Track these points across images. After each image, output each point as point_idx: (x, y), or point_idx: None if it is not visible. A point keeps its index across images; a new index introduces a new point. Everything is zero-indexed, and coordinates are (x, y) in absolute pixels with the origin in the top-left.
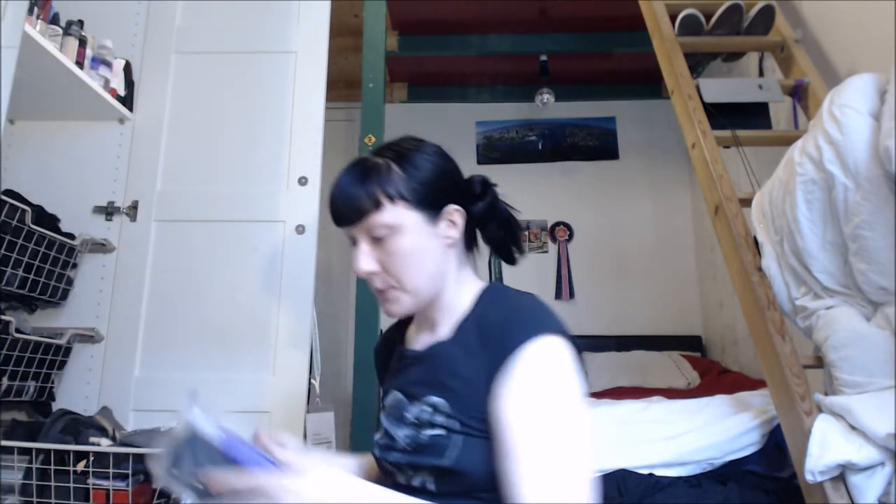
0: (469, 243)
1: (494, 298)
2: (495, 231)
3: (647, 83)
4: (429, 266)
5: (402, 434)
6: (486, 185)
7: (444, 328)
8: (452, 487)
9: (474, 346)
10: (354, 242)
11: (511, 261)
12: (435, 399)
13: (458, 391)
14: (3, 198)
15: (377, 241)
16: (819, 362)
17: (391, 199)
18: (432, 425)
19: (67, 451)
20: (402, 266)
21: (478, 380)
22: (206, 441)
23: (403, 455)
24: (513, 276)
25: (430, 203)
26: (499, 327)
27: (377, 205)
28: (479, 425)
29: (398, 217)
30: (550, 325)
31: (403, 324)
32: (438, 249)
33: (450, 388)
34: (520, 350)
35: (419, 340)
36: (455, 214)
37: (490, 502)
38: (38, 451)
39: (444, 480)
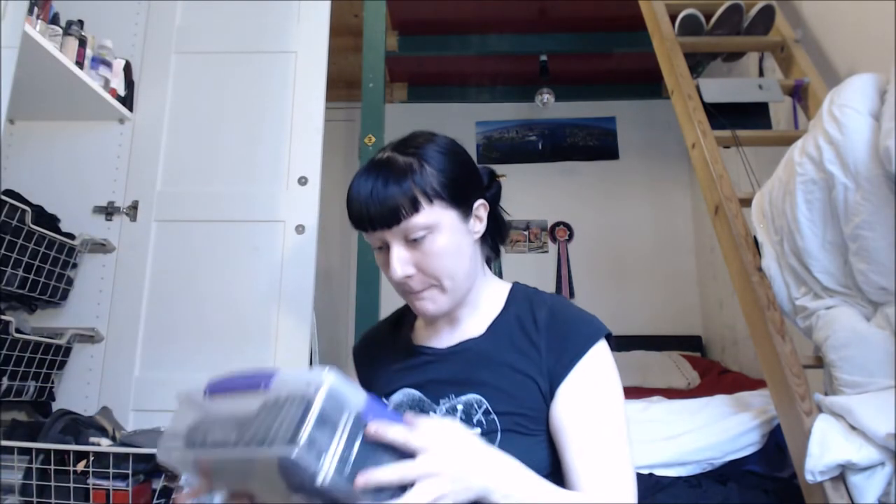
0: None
1: (532, 298)
2: (488, 227)
3: (647, 83)
4: (465, 264)
5: None
6: (493, 176)
7: (472, 325)
8: None
9: (520, 344)
10: (383, 246)
11: (487, 262)
12: (470, 397)
13: (499, 388)
14: (3, 198)
15: (412, 242)
16: (819, 362)
17: (429, 199)
18: (466, 424)
19: (67, 451)
20: (441, 266)
21: (527, 377)
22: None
23: None
24: (514, 276)
25: (463, 199)
26: (555, 329)
27: (416, 206)
28: (521, 421)
29: (436, 217)
30: (602, 328)
31: (401, 321)
32: (471, 246)
33: (488, 384)
34: (584, 354)
35: (438, 338)
36: (481, 209)
37: None
38: (38, 451)
39: None
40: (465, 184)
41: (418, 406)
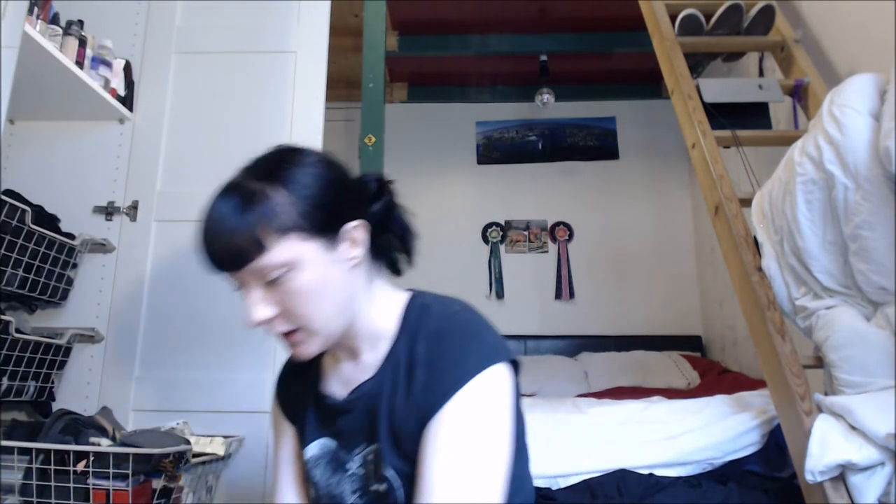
0: (376, 250)
1: (420, 320)
2: (387, 238)
3: (647, 83)
4: (336, 298)
5: (348, 488)
6: (382, 184)
7: (369, 356)
8: None
9: (406, 382)
10: (240, 285)
11: (397, 271)
12: (377, 446)
13: (394, 436)
14: (3, 198)
15: (271, 282)
16: (819, 362)
17: (281, 232)
18: (379, 476)
19: (67, 451)
20: (306, 305)
21: (414, 421)
22: None
23: None
24: (514, 276)
25: (327, 226)
26: (433, 363)
27: (264, 245)
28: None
29: (293, 252)
30: (484, 354)
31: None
32: (343, 275)
33: (384, 433)
34: (456, 392)
35: (340, 379)
36: (356, 231)
37: None
38: (38, 451)
39: None
40: (333, 207)
41: (334, 458)
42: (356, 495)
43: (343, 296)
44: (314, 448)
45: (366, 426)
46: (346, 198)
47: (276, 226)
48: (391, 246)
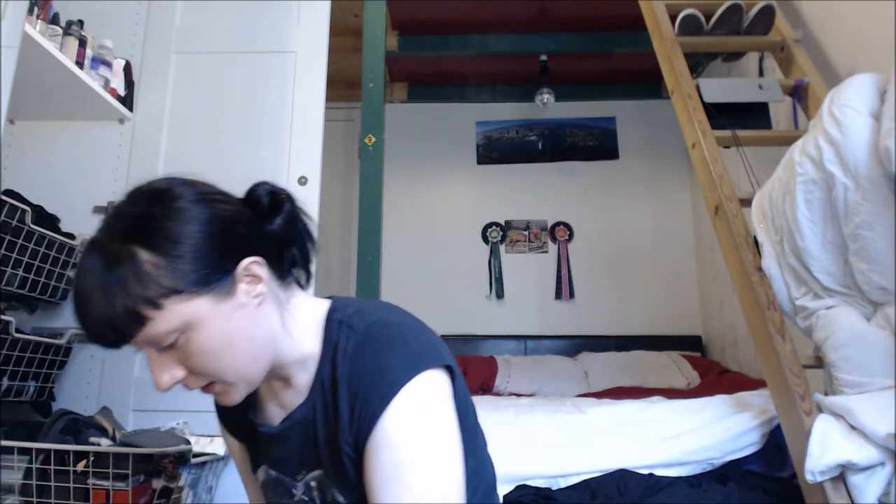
0: (283, 268)
1: (342, 337)
2: (292, 254)
3: (647, 83)
4: (247, 347)
5: None
6: (275, 195)
7: (301, 378)
8: None
9: (332, 405)
10: (138, 349)
11: (303, 286)
12: (316, 474)
13: (331, 465)
14: (3, 198)
15: (167, 347)
16: (819, 362)
17: (161, 298)
18: (329, 502)
19: (67, 451)
20: (214, 363)
21: (350, 447)
22: None
23: None
24: (514, 276)
25: (214, 275)
26: (354, 386)
27: (141, 319)
28: (363, 499)
29: (180, 316)
30: (407, 365)
31: None
32: (250, 319)
33: (323, 462)
34: (382, 416)
35: (276, 401)
36: (252, 267)
37: None
38: (38, 451)
39: None
40: (217, 254)
41: (281, 484)
42: None
43: (255, 342)
44: (261, 473)
45: (305, 453)
46: (232, 235)
47: (152, 293)
48: (296, 262)
